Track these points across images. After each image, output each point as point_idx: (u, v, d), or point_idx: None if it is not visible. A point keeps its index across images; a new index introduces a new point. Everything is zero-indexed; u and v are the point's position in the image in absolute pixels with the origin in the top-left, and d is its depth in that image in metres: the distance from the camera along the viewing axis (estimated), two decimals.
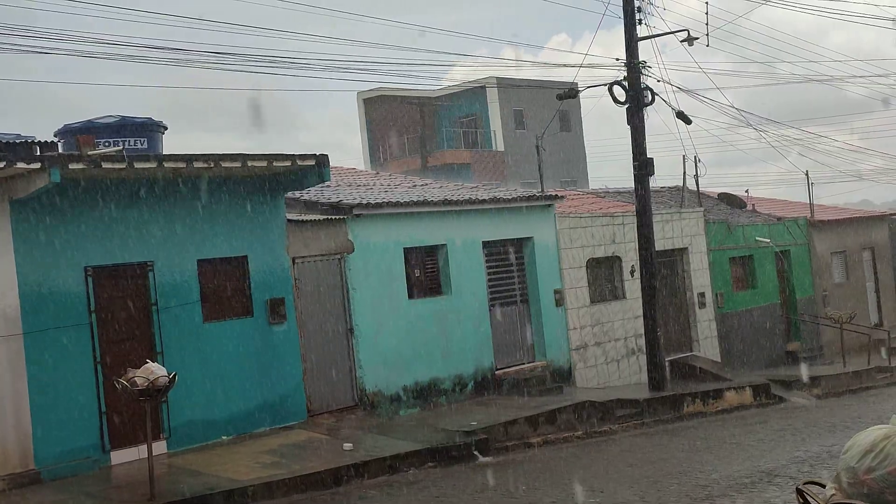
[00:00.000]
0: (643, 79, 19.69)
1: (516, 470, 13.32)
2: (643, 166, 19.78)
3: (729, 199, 31.20)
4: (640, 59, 19.78)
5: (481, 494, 11.68)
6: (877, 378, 24.69)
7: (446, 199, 18.29)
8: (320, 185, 16.70)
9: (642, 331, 20.43)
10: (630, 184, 21.21)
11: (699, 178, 27.34)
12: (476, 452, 14.13)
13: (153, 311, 13.57)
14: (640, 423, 17.59)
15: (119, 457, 12.81)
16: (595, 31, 56.66)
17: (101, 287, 13.07)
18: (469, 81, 44.03)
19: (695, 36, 20.95)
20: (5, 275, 12.10)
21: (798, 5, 60.78)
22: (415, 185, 20.85)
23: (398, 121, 47.28)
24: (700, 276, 24.63)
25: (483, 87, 44.56)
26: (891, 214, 35.94)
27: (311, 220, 15.88)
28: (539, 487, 11.94)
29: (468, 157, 44.59)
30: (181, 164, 13.14)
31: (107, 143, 15.16)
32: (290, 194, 15.86)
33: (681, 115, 20.25)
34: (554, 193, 22.19)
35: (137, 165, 12.66)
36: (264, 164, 14.08)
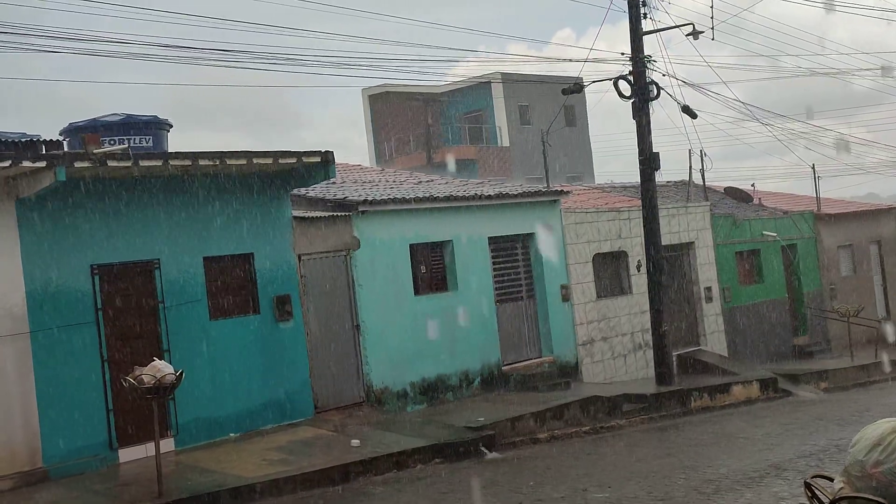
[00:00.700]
0: (648, 73, 19.67)
1: (523, 465, 13.32)
2: (649, 161, 19.75)
3: (735, 194, 31.13)
4: (646, 53, 19.76)
5: (488, 490, 11.67)
6: (884, 371, 24.61)
7: (452, 195, 18.28)
8: (326, 182, 16.70)
9: (649, 326, 20.42)
10: (636, 178, 21.18)
11: (705, 173, 27.34)
12: (483, 448, 14.12)
13: (160, 309, 13.58)
14: (648, 417, 17.58)
15: (127, 454, 12.83)
16: (600, 25, 56.51)
17: (107, 285, 13.08)
18: (474, 77, 43.90)
19: (700, 30, 20.86)
20: (12, 274, 12.12)
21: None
22: (420, 182, 20.84)
23: (403, 117, 47.20)
24: (707, 271, 24.60)
25: (488, 83, 44.42)
26: None
27: (316, 217, 15.87)
28: (546, 483, 11.93)
29: (473, 153, 44.50)
30: (187, 162, 13.15)
31: (112, 142, 15.13)
32: (295, 191, 15.87)
33: (686, 110, 20.22)
34: (560, 189, 22.16)
35: (143, 164, 12.66)
36: (270, 161, 14.09)
